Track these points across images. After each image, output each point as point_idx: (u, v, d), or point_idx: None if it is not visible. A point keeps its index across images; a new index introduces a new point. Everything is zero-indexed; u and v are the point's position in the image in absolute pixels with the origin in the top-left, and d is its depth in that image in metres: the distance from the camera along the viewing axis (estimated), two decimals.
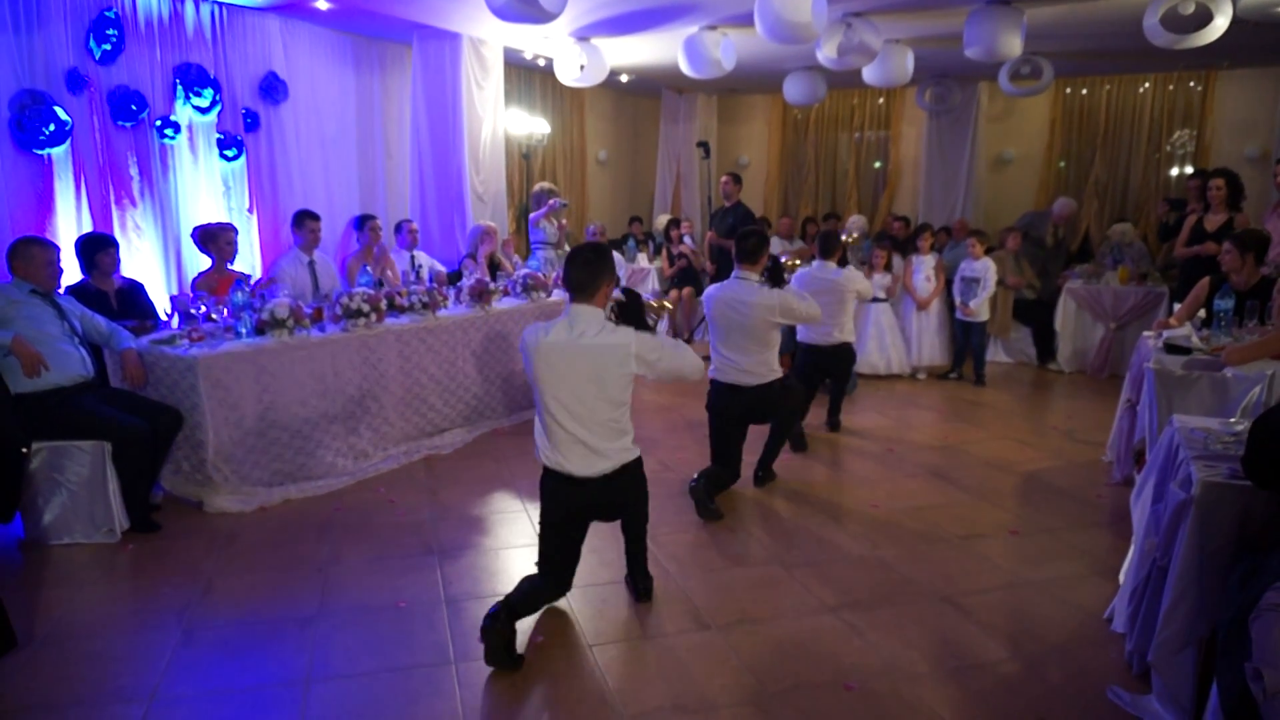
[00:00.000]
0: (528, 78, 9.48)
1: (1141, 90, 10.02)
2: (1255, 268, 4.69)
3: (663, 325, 9.35)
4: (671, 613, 3.29)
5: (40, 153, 5.05)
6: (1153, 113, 9.99)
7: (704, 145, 8.35)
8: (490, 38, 7.50)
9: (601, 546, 3.86)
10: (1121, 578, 3.35)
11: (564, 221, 8.32)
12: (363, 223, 6.35)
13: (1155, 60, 8.57)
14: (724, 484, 4.49)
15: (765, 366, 4.41)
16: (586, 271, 3.02)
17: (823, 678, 2.85)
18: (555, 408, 3.00)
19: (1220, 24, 5.62)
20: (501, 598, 3.01)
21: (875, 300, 7.41)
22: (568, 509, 3.10)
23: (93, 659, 2.94)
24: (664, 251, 9.55)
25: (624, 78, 9.99)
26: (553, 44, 7.73)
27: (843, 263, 5.85)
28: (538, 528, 3.23)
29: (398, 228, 6.83)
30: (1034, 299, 7.86)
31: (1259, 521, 2.38)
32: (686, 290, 9.18)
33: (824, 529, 4.15)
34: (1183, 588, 2.46)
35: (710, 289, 4.57)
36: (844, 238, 7.29)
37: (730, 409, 4.45)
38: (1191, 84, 9.76)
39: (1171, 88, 9.87)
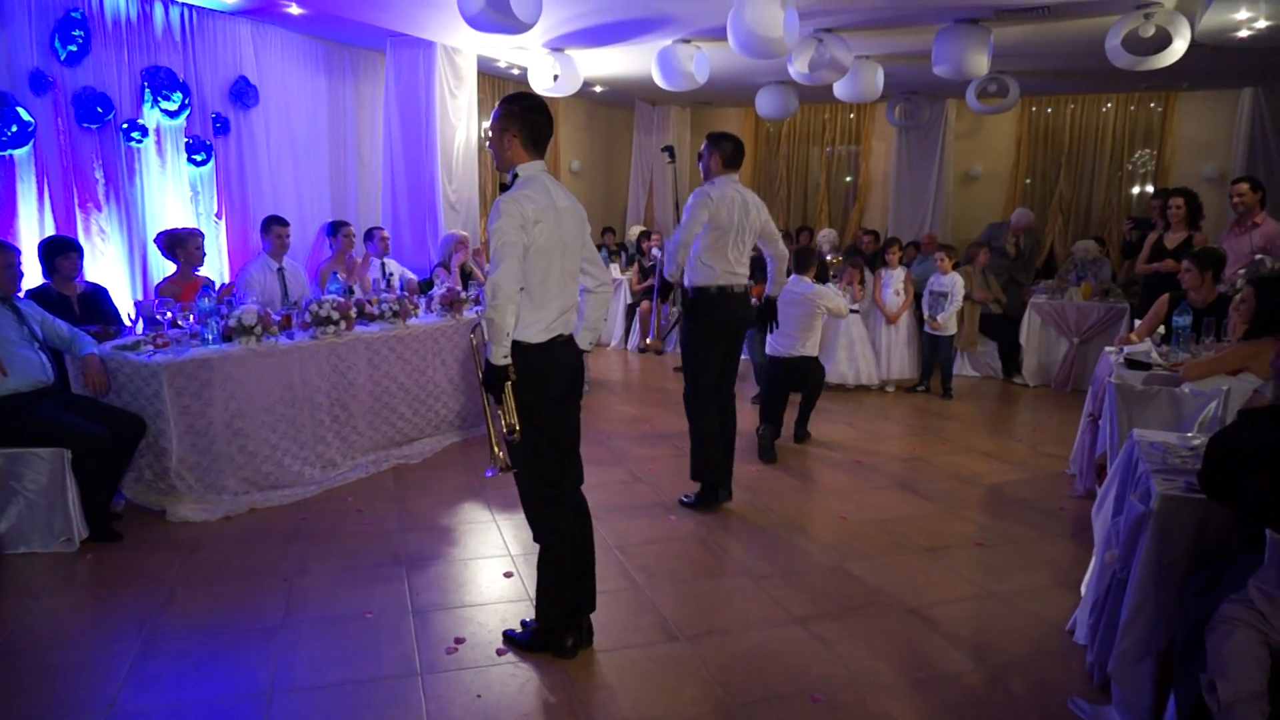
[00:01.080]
0: (502, 87, 9.48)
1: (1104, 110, 10.25)
2: (1213, 285, 4.81)
3: (633, 341, 9.38)
4: (640, 624, 3.29)
5: (2, 154, 4.96)
6: (1115, 132, 10.23)
7: (669, 150, 8.41)
8: (464, 46, 7.49)
9: None
10: (1083, 590, 3.41)
11: None
12: (335, 229, 6.31)
13: (1118, 81, 8.77)
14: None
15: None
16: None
17: (791, 689, 2.86)
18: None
19: (1179, 47, 5.78)
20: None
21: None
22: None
23: (49, 671, 2.88)
24: (636, 263, 9.57)
25: (598, 89, 10.03)
26: (527, 54, 7.75)
27: (821, 278, 5.95)
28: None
29: (368, 235, 6.78)
30: (1000, 313, 7.98)
31: (1214, 534, 2.44)
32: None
33: (793, 540, 4.18)
34: (1141, 599, 2.51)
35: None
36: (829, 258, 7.38)
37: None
38: (1152, 105, 10.02)
39: (1133, 108, 10.12)
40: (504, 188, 2.88)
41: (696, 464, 4.52)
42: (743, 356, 5.62)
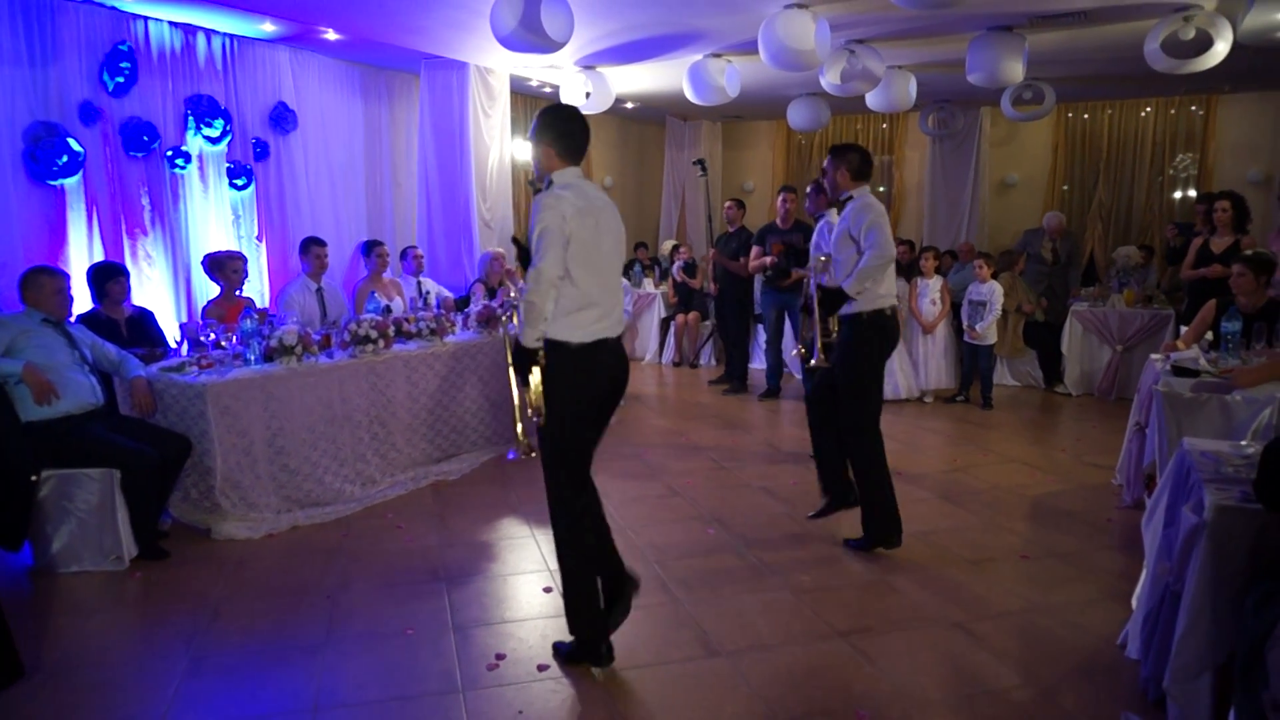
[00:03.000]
0: (534, 105, 9.56)
1: (1143, 115, 10.09)
2: (1263, 290, 4.70)
3: (669, 353, 9.38)
4: (679, 638, 3.27)
5: (53, 183, 5.11)
6: (1155, 137, 10.05)
7: (700, 163, 8.41)
8: (497, 66, 7.59)
9: None
10: (1134, 603, 3.32)
11: None
12: (370, 249, 6.40)
13: (1157, 85, 8.64)
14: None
15: None
16: None
17: (834, 705, 2.82)
18: None
19: (1221, 49, 5.67)
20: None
21: None
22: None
23: (100, 688, 2.93)
24: (669, 278, 9.58)
25: (629, 105, 10.09)
26: (559, 72, 7.83)
27: None
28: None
29: (403, 254, 6.87)
30: (1042, 320, 7.85)
31: (1273, 546, 2.37)
32: (693, 315, 9.21)
33: (833, 553, 4.13)
34: (1197, 613, 2.44)
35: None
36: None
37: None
38: (1193, 108, 9.83)
39: (1173, 112, 9.94)
40: (538, 192, 2.98)
41: (881, 517, 4.11)
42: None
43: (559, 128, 2.95)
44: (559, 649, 3.14)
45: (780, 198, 7.24)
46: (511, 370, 2.93)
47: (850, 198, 4.08)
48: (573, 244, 2.83)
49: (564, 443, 2.95)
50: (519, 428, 2.92)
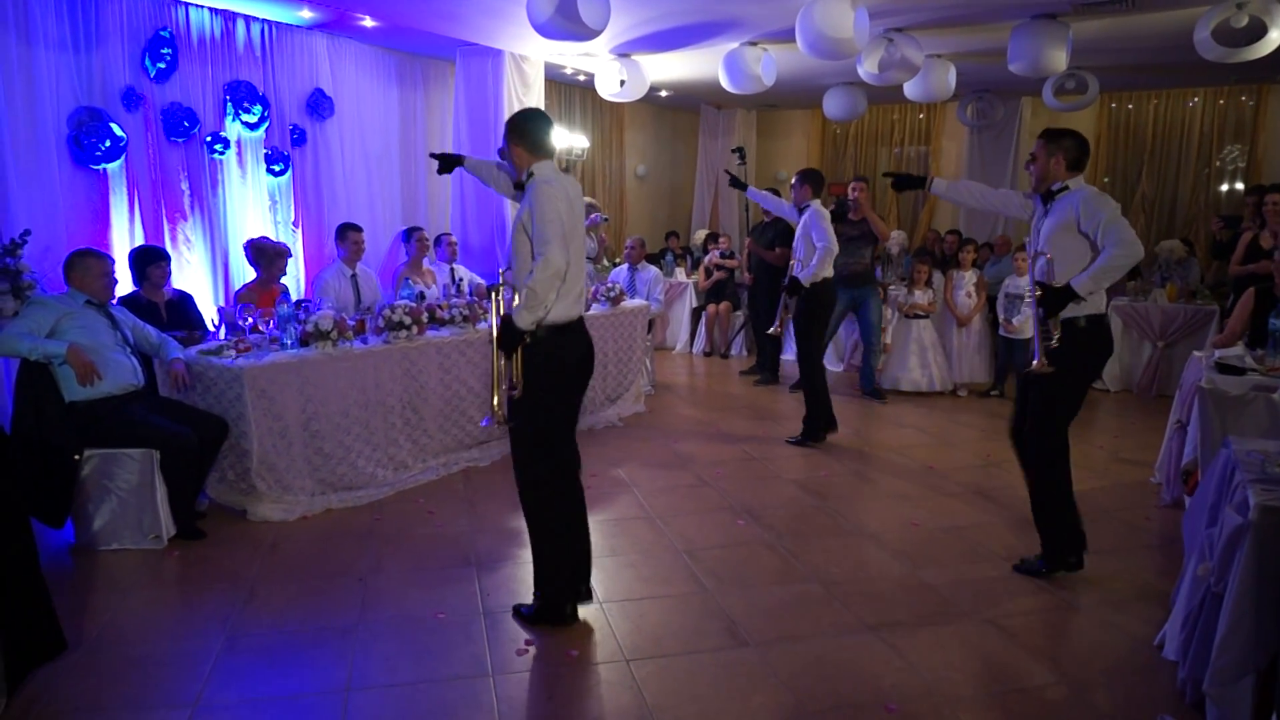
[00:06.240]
0: (568, 93, 9.57)
1: (1190, 105, 9.85)
2: None
3: (699, 343, 9.35)
4: (709, 629, 3.27)
5: (97, 168, 5.20)
6: (1202, 127, 9.81)
7: (739, 151, 8.32)
8: (532, 54, 7.58)
9: (639, 561, 3.85)
10: (1173, 603, 3.26)
11: (603, 236, 8.32)
12: (410, 234, 6.47)
13: (1205, 74, 8.42)
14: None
15: None
16: None
17: (863, 698, 2.81)
18: None
19: (1275, 37, 5.51)
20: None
21: (916, 316, 7.34)
22: None
23: (139, 664, 2.99)
24: (701, 266, 9.55)
25: (663, 93, 10.04)
26: (594, 60, 7.80)
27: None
28: None
29: (437, 241, 6.91)
30: None
31: None
32: (724, 305, 9.17)
33: (864, 547, 4.10)
34: (1239, 615, 2.39)
35: None
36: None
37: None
38: (1243, 98, 9.58)
39: (1222, 102, 9.69)
40: (519, 186, 3.24)
41: (1061, 538, 3.77)
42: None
43: (525, 126, 3.21)
44: (520, 610, 3.33)
45: (850, 187, 7.13)
46: (495, 346, 3.14)
47: (1065, 188, 3.60)
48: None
49: (538, 414, 3.18)
50: (495, 399, 3.15)
